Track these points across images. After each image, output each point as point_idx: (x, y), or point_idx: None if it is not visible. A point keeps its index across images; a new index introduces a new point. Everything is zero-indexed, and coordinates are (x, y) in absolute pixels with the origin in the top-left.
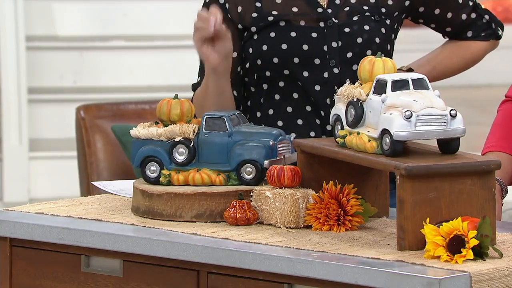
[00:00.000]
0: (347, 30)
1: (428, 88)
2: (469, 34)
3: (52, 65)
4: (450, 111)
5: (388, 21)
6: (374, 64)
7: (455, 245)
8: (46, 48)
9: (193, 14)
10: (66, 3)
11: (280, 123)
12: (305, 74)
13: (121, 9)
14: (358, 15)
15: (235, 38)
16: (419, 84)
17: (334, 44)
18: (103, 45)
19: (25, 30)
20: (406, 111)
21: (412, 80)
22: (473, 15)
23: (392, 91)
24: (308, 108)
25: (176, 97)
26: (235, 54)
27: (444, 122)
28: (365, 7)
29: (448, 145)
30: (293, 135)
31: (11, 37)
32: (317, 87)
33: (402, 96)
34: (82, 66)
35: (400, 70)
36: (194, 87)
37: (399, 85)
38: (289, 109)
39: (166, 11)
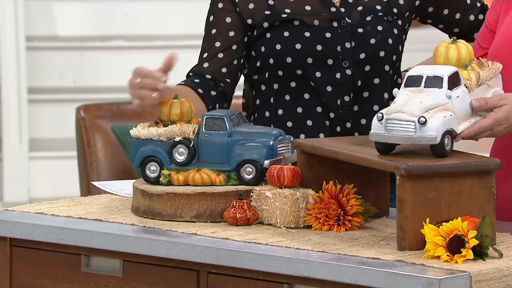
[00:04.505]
0: (360, 30)
1: (441, 87)
2: (476, 35)
3: (52, 65)
4: (419, 118)
5: (399, 22)
6: (449, 50)
7: (455, 245)
8: (46, 48)
9: (193, 14)
10: (66, 3)
11: (289, 123)
12: (318, 74)
13: (121, 9)
14: (372, 15)
15: (239, 32)
16: (431, 82)
17: (347, 45)
18: (103, 45)
19: (25, 30)
20: (379, 113)
21: (426, 76)
22: (481, 16)
23: (405, 86)
24: (319, 109)
25: (176, 97)
26: (235, 47)
27: (412, 129)
28: (378, 7)
29: (431, 149)
30: (302, 136)
31: (11, 37)
32: (329, 88)
33: (401, 94)
34: (82, 66)
35: (404, 71)
36: (187, 75)
37: (413, 81)
38: (299, 109)
39: (166, 11)
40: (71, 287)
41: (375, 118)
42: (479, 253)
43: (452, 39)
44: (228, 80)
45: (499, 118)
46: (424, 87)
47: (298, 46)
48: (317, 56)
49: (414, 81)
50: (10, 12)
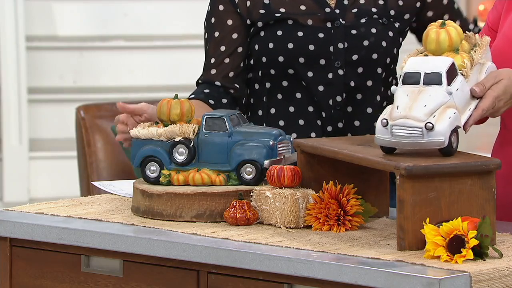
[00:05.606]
0: (354, 32)
1: (441, 84)
2: None
3: (52, 65)
4: (426, 123)
5: (397, 24)
6: (440, 35)
7: (455, 245)
8: (46, 48)
9: (193, 14)
10: (66, 3)
11: (281, 122)
12: (310, 74)
13: (121, 9)
14: (366, 17)
15: (242, 33)
16: (430, 79)
17: (340, 45)
18: (103, 45)
19: (25, 30)
20: (383, 119)
21: (424, 73)
22: (476, 30)
23: (403, 83)
24: (310, 108)
25: (176, 97)
26: (240, 49)
27: (420, 134)
28: (374, 9)
29: (440, 150)
30: (293, 135)
31: (11, 37)
32: (321, 88)
33: (400, 95)
34: (82, 66)
35: None
36: (197, 82)
37: (410, 78)
38: (291, 109)
39: (166, 11)
40: (71, 287)
41: (379, 123)
42: (479, 253)
43: (440, 22)
44: (237, 85)
45: (498, 94)
46: (423, 84)
47: (290, 45)
48: (309, 56)
49: (411, 78)
50: (10, 12)
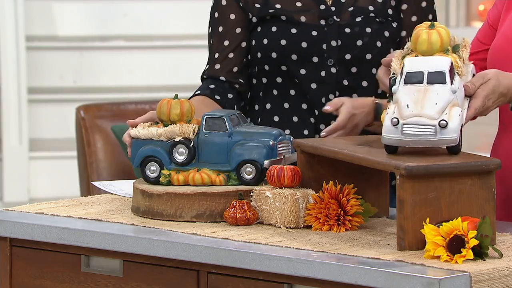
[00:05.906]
0: (347, 30)
1: (445, 83)
2: None
3: (52, 65)
4: (440, 121)
5: (395, 24)
6: (431, 36)
7: (455, 245)
8: (46, 48)
9: (193, 14)
10: (66, 3)
11: (276, 118)
12: (302, 71)
13: (121, 9)
14: (362, 16)
15: (245, 27)
16: (434, 78)
17: (333, 43)
18: (103, 45)
19: (25, 30)
20: (394, 118)
21: (428, 73)
22: None
23: (405, 83)
24: (304, 106)
25: (176, 97)
26: (244, 44)
27: (432, 132)
28: (371, 7)
29: (447, 149)
30: (287, 132)
31: (11, 37)
32: (313, 85)
33: (405, 95)
34: (82, 66)
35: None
36: (202, 77)
37: (413, 77)
38: (286, 105)
39: (166, 11)
40: (71, 287)
41: (389, 122)
42: (479, 253)
43: (430, 23)
44: (241, 80)
45: (487, 93)
46: (427, 83)
47: (283, 42)
48: (302, 53)
49: (414, 78)
50: (10, 12)
